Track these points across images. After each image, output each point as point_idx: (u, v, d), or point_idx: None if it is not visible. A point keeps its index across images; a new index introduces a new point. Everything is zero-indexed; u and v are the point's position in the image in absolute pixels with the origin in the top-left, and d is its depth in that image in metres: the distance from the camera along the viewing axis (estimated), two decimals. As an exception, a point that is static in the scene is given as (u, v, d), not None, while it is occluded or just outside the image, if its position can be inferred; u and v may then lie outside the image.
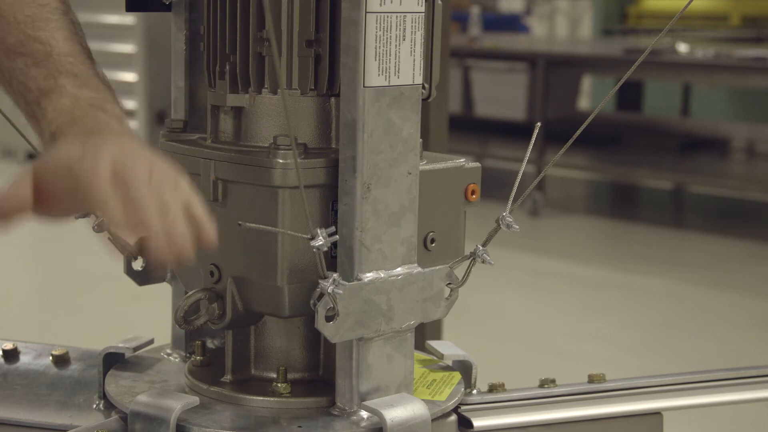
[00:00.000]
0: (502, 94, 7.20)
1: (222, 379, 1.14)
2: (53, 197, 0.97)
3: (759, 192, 6.03)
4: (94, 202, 0.93)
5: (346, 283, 1.04)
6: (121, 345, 1.23)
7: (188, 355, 1.25)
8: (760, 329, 4.00)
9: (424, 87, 1.11)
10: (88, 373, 1.25)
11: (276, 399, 1.11)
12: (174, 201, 0.95)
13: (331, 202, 1.08)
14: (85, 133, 1.00)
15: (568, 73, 6.65)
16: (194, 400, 1.07)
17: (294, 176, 1.04)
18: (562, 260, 5.05)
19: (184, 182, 0.99)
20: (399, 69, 1.06)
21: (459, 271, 1.14)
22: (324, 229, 1.00)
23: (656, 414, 1.27)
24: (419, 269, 1.10)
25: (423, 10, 1.08)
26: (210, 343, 1.24)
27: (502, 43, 7.04)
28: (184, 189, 0.98)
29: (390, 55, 1.05)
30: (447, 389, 1.17)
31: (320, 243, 1.00)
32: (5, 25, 1.05)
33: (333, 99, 1.11)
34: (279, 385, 1.12)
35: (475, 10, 7.01)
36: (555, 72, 6.11)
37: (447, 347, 1.27)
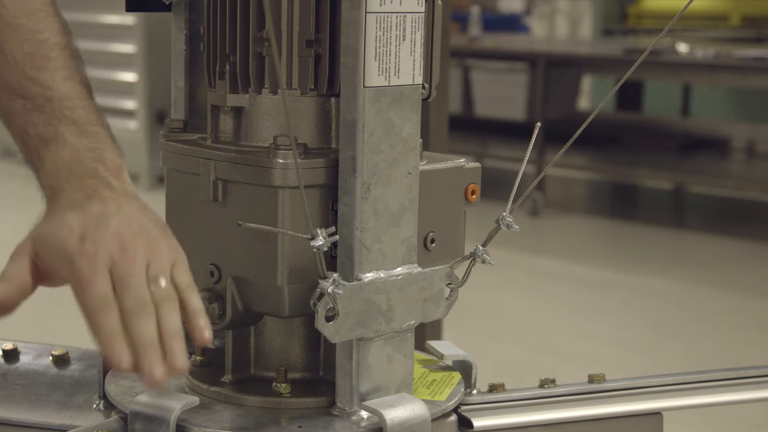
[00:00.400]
0: (502, 94, 7.20)
1: (222, 379, 1.14)
2: (51, 273, 1.00)
3: (759, 192, 6.03)
4: (89, 310, 0.96)
5: (346, 283, 1.04)
6: (121, 345, 1.23)
7: (188, 355, 1.25)
8: (760, 329, 4.00)
9: (424, 87, 1.11)
10: (88, 373, 1.25)
11: (276, 399, 1.11)
12: (170, 302, 0.97)
13: (331, 202, 1.08)
14: (84, 196, 1.01)
15: (568, 73, 6.65)
16: (194, 400, 1.07)
17: (294, 176, 1.04)
18: (562, 260, 5.05)
19: (181, 262, 1.01)
20: (399, 69, 1.06)
21: (459, 271, 1.14)
22: (324, 229, 1.00)
23: (656, 414, 1.27)
24: (419, 269, 1.10)
25: (423, 10, 1.08)
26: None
27: (502, 43, 7.04)
28: (182, 273, 1.00)
29: (390, 55, 1.05)
30: (447, 389, 1.17)
31: (320, 243, 1.00)
32: (4, 63, 1.04)
33: (333, 99, 1.11)
34: (279, 385, 1.12)
35: (475, 10, 7.01)
36: (555, 72, 6.10)
37: (447, 347, 1.27)
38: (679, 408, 1.29)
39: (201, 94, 1.24)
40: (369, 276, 1.06)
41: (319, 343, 1.16)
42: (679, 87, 7.39)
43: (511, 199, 1.11)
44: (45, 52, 1.05)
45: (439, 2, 1.14)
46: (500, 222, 1.10)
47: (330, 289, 1.03)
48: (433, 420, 1.09)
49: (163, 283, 0.97)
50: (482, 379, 1.24)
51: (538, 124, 1.24)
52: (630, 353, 3.67)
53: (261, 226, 1.04)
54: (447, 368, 1.23)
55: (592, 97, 8.61)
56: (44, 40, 1.05)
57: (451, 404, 1.15)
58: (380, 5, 1.03)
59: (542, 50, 6.47)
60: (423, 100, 1.11)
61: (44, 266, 1.00)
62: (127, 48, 6.57)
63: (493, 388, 1.24)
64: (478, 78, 7.42)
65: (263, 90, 1.11)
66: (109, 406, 1.15)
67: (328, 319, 1.04)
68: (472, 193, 1.17)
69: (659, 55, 5.46)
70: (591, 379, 1.27)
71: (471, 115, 7.40)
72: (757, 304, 4.34)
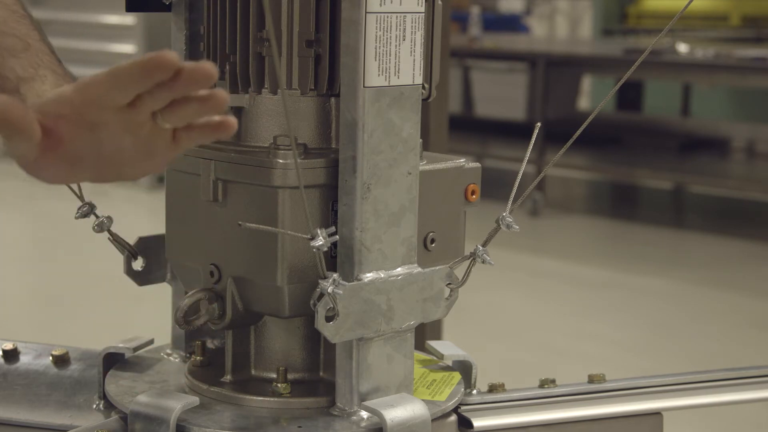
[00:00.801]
0: (502, 94, 7.20)
1: (222, 379, 1.14)
2: (58, 131, 0.92)
3: (759, 192, 6.03)
4: (123, 64, 0.88)
5: (346, 283, 1.04)
6: (121, 345, 1.23)
7: (188, 355, 1.25)
8: (760, 329, 3.99)
9: (424, 87, 1.11)
10: (88, 373, 1.25)
11: (276, 399, 1.11)
12: None
13: (331, 202, 1.08)
14: None
15: (568, 73, 6.65)
16: (194, 400, 1.07)
17: (294, 176, 1.04)
18: (562, 260, 5.05)
19: None
20: (399, 69, 1.06)
21: (459, 271, 1.14)
22: (324, 229, 1.00)
23: (656, 414, 1.27)
24: (419, 269, 1.10)
25: (423, 10, 1.08)
26: (210, 343, 1.24)
27: (502, 43, 7.04)
28: None
29: (390, 55, 1.05)
30: (447, 389, 1.17)
31: (320, 243, 1.00)
32: None
33: (333, 99, 1.11)
34: (279, 385, 1.12)
35: (475, 10, 7.01)
36: (555, 72, 6.10)
37: (447, 347, 1.27)
38: (679, 408, 1.29)
39: (201, 94, 1.24)
40: (369, 276, 1.06)
41: (319, 343, 1.16)
42: (679, 87, 7.39)
43: (511, 199, 1.11)
44: (17, 18, 1.07)
45: (439, 2, 1.14)
46: (500, 222, 1.10)
47: (330, 289, 1.03)
48: (433, 420, 1.09)
49: None
50: (482, 379, 1.24)
51: (538, 124, 1.24)
52: (630, 353, 3.67)
53: (261, 226, 1.04)
54: (447, 368, 1.23)
55: (592, 97, 8.60)
56: (15, 11, 1.08)
57: (451, 404, 1.15)
58: (380, 5, 1.03)
59: (542, 50, 6.47)
60: (423, 100, 1.11)
61: (49, 122, 0.91)
62: (127, 48, 6.57)
63: (493, 388, 1.24)
64: (478, 78, 7.41)
65: (263, 90, 1.11)
66: (109, 406, 1.15)
67: (328, 319, 1.04)
68: (472, 193, 1.17)
69: (659, 55, 5.46)
70: (591, 379, 1.27)
71: (471, 115, 7.39)
72: (757, 304, 4.34)
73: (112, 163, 0.94)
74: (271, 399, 1.11)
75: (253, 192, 1.07)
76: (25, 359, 1.28)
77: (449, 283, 1.13)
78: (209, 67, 0.85)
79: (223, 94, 0.88)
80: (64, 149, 0.93)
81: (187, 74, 0.85)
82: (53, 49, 1.08)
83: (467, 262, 1.13)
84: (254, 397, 1.11)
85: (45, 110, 0.92)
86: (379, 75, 1.04)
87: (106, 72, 0.88)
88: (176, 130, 0.93)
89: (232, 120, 0.90)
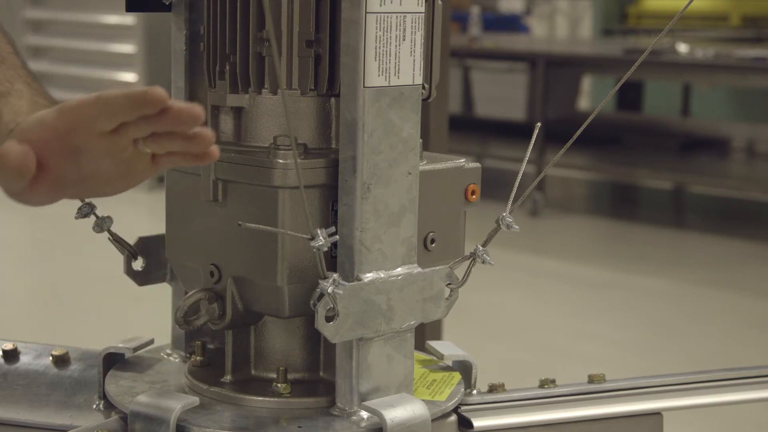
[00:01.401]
0: (502, 94, 7.20)
1: (222, 380, 1.14)
2: (44, 160, 0.94)
3: (759, 192, 6.03)
4: (110, 93, 0.90)
5: (346, 283, 1.04)
6: (121, 345, 1.23)
7: (188, 355, 1.25)
8: (760, 329, 3.99)
9: (424, 87, 1.11)
10: (88, 373, 1.25)
11: (276, 399, 1.11)
12: None
13: (331, 202, 1.08)
14: None
15: (568, 73, 6.65)
16: (194, 400, 1.07)
17: (294, 176, 1.05)
18: (562, 260, 5.05)
19: None
20: (399, 69, 1.06)
21: (459, 271, 1.14)
22: (324, 229, 1.00)
23: (656, 414, 1.27)
24: (419, 269, 1.10)
25: (423, 10, 1.08)
26: (210, 343, 1.24)
27: (502, 43, 7.04)
28: None
29: (390, 55, 1.05)
30: (447, 389, 1.17)
31: (320, 243, 1.00)
32: None
33: (333, 99, 1.11)
34: (279, 385, 1.12)
35: (475, 10, 7.01)
36: (555, 72, 6.10)
37: (447, 347, 1.27)
38: (679, 408, 1.29)
39: (201, 94, 1.24)
40: (369, 276, 1.06)
41: (319, 343, 1.16)
42: (679, 87, 7.39)
43: (511, 199, 1.11)
44: None
45: (439, 2, 1.14)
46: (500, 222, 1.10)
47: (330, 289, 1.03)
48: (433, 420, 1.09)
49: None
50: (482, 379, 1.24)
51: (538, 124, 1.24)
52: (630, 353, 3.67)
53: (261, 226, 1.04)
54: (447, 368, 1.23)
55: (592, 97, 8.60)
56: None
57: (451, 404, 1.15)
58: (380, 5, 1.03)
59: (542, 50, 6.47)
60: (423, 100, 1.11)
61: (37, 150, 0.93)
62: (127, 48, 6.57)
63: (493, 388, 1.24)
64: (478, 78, 7.41)
65: (263, 90, 1.11)
66: (109, 406, 1.15)
67: (328, 319, 1.04)
68: (472, 193, 1.17)
69: (659, 55, 5.46)
70: (591, 379, 1.27)
71: (471, 115, 7.39)
72: (757, 304, 4.34)
73: (92, 182, 0.98)
74: (271, 399, 1.11)
75: (253, 192, 1.07)
76: (25, 359, 1.28)
77: (449, 283, 1.13)
78: (196, 109, 0.88)
79: (208, 133, 0.90)
80: (48, 175, 0.95)
81: (174, 114, 0.89)
82: (26, 63, 1.09)
83: (467, 262, 1.13)
84: (254, 397, 1.11)
85: (28, 136, 0.94)
86: (379, 75, 1.04)
87: (92, 97, 0.90)
88: (156, 154, 0.95)
89: (214, 149, 0.92)
